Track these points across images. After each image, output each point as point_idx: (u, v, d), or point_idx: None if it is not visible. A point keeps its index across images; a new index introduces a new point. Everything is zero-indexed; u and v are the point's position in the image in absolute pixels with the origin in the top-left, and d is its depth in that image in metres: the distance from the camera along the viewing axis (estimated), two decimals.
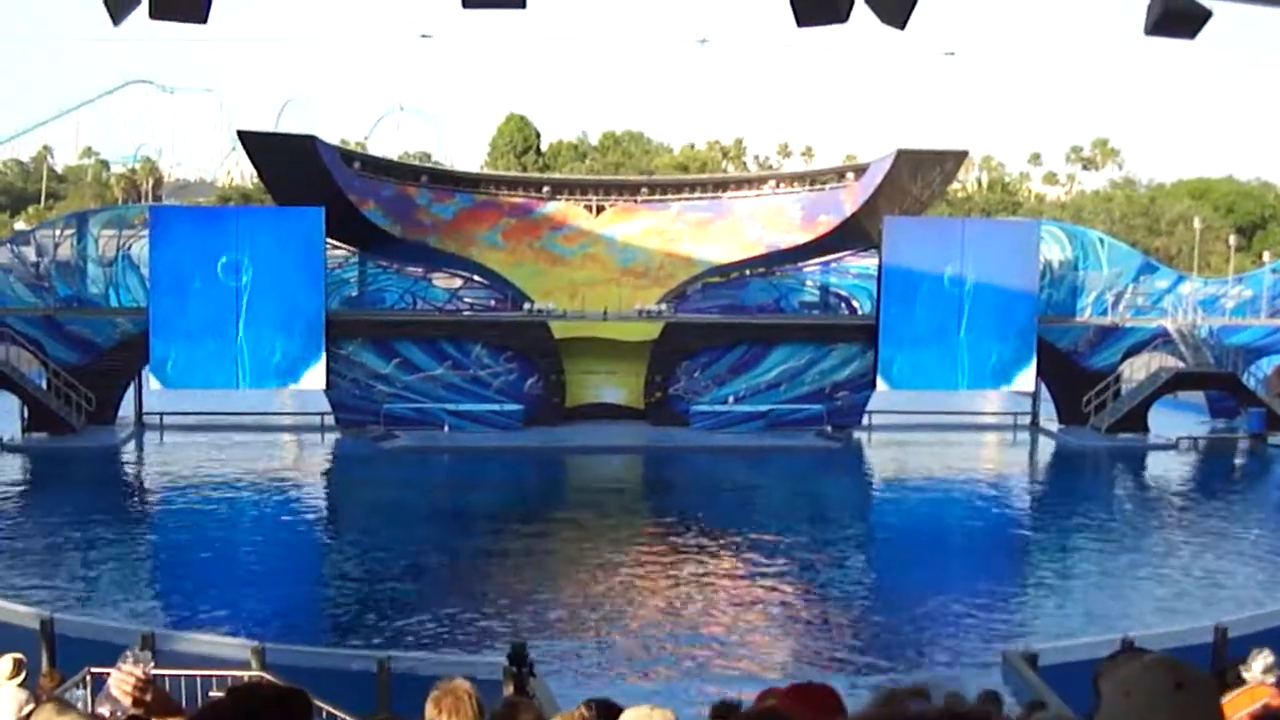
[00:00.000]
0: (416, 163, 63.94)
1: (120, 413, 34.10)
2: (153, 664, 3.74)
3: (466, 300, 37.46)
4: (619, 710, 5.58)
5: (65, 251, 33.87)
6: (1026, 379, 35.28)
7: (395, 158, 61.06)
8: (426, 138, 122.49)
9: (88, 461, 30.21)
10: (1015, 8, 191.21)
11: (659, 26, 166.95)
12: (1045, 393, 36.37)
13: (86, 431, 32.21)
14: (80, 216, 36.50)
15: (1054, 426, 35.94)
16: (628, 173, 71.37)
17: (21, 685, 8.67)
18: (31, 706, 5.54)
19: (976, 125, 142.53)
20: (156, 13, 5.62)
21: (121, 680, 3.62)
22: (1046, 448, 35.31)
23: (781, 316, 36.87)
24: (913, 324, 34.31)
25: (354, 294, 36.76)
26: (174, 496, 27.70)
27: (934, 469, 32.20)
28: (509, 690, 9.76)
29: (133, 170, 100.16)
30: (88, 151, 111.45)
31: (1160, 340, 35.88)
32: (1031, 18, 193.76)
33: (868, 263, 36.62)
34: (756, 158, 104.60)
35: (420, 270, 37.01)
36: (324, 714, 9.85)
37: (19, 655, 8.90)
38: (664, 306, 35.56)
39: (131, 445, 33.23)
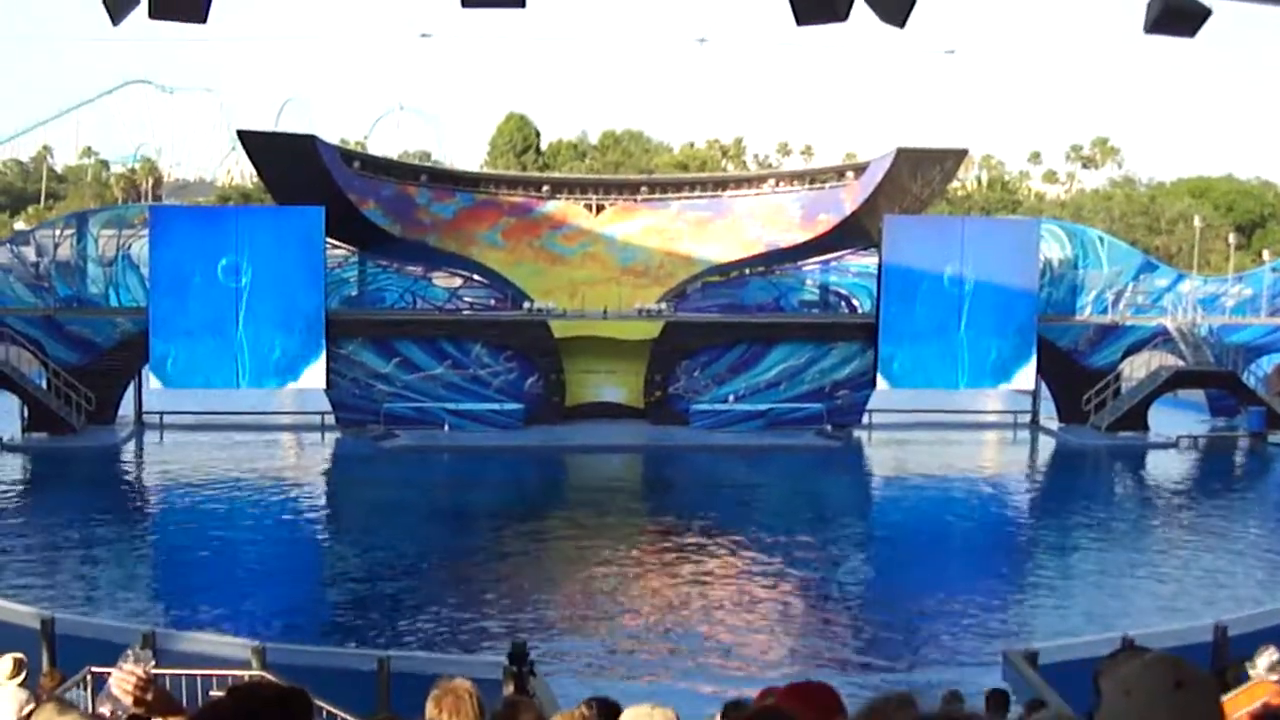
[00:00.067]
0: (416, 162, 63.95)
1: (120, 412, 34.12)
2: (153, 663, 3.74)
3: (466, 299, 37.46)
4: (619, 709, 5.59)
5: (65, 251, 33.88)
6: (1026, 376, 35.29)
7: (395, 157, 61.04)
8: (426, 137, 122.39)
9: (88, 461, 30.23)
10: (1015, 6, 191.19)
11: (658, 25, 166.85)
12: (1045, 391, 36.38)
13: (86, 431, 32.22)
14: (80, 216, 36.51)
15: (1054, 425, 35.95)
16: (627, 172, 71.37)
17: (22, 685, 8.66)
18: (32, 706, 5.55)
19: (976, 124, 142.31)
20: (156, 12, 5.62)
21: (122, 679, 3.62)
22: (1046, 446, 35.32)
23: (781, 315, 36.87)
24: (913, 323, 34.32)
25: (354, 293, 36.76)
26: (174, 496, 27.72)
27: (934, 468, 32.20)
28: (509, 689, 9.76)
29: (132, 170, 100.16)
30: (87, 151, 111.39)
31: (1160, 339, 35.89)
32: (1031, 16, 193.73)
33: (868, 261, 36.61)
34: (756, 156, 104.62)
35: (420, 269, 37.01)
36: (324, 713, 9.85)
37: (19, 655, 8.89)
38: (664, 305, 35.55)
39: (131, 445, 33.24)
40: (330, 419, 34.54)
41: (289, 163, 33.70)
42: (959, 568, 22.40)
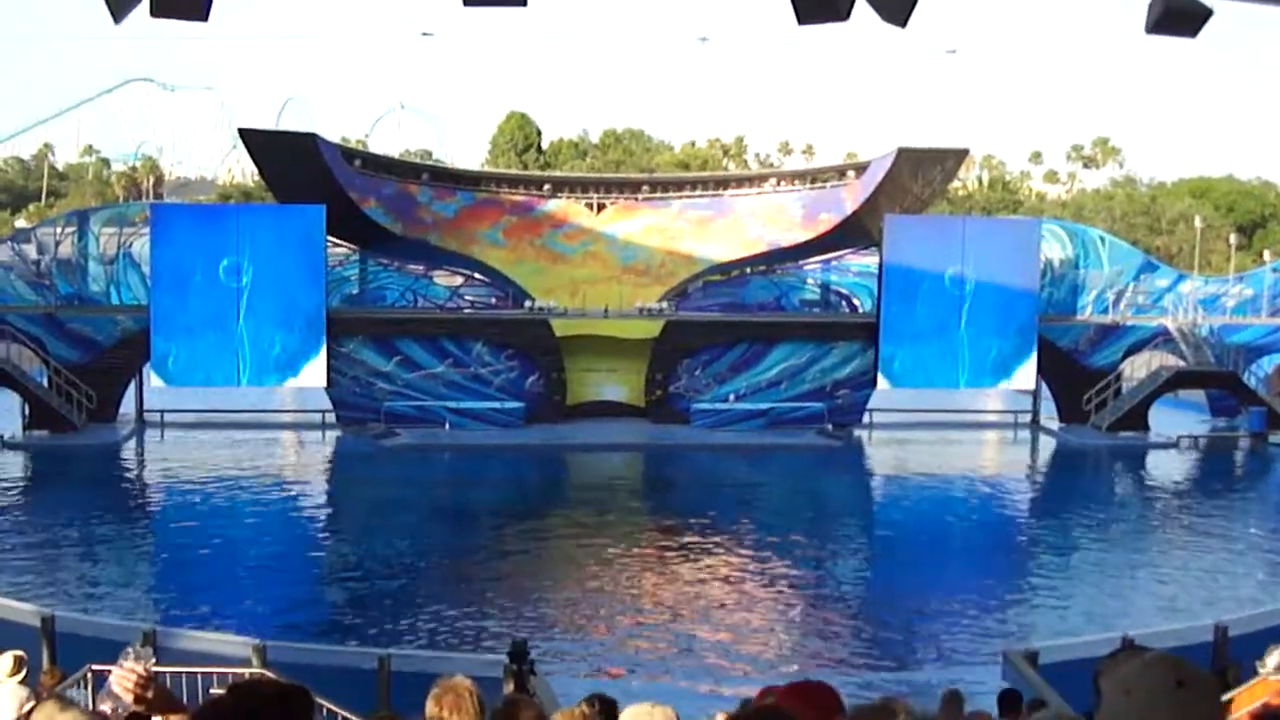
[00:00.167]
0: (417, 160, 63.86)
1: (121, 410, 34.15)
2: (154, 661, 3.74)
3: (467, 298, 37.47)
4: (616, 706, 5.59)
5: (66, 249, 33.90)
6: (1026, 374, 35.28)
7: (396, 155, 61.04)
8: (427, 136, 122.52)
9: (89, 459, 30.24)
10: (1016, 6, 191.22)
11: (660, 24, 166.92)
12: (1046, 391, 36.39)
13: (87, 429, 32.24)
14: (81, 214, 36.56)
15: (1055, 425, 35.95)
16: (628, 170, 71.39)
17: (22, 683, 8.66)
18: (32, 704, 5.55)
19: (977, 123, 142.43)
20: (157, 11, 5.62)
21: (123, 677, 3.62)
22: (1047, 446, 35.31)
23: (782, 314, 36.88)
24: (914, 322, 34.33)
25: (355, 292, 36.77)
26: (175, 494, 27.73)
27: (934, 467, 32.21)
28: (509, 688, 9.76)
29: (133, 168, 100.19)
30: (88, 149, 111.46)
31: (1161, 339, 35.89)
32: (1033, 16, 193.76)
33: (868, 261, 36.62)
34: (757, 155, 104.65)
35: (421, 268, 37.03)
36: (325, 711, 9.84)
37: (20, 652, 8.89)
38: (665, 304, 35.56)
39: (132, 443, 33.26)
40: (331, 417, 34.57)
41: (290, 161, 33.70)
42: (959, 567, 22.40)
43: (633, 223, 36.87)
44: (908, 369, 34.61)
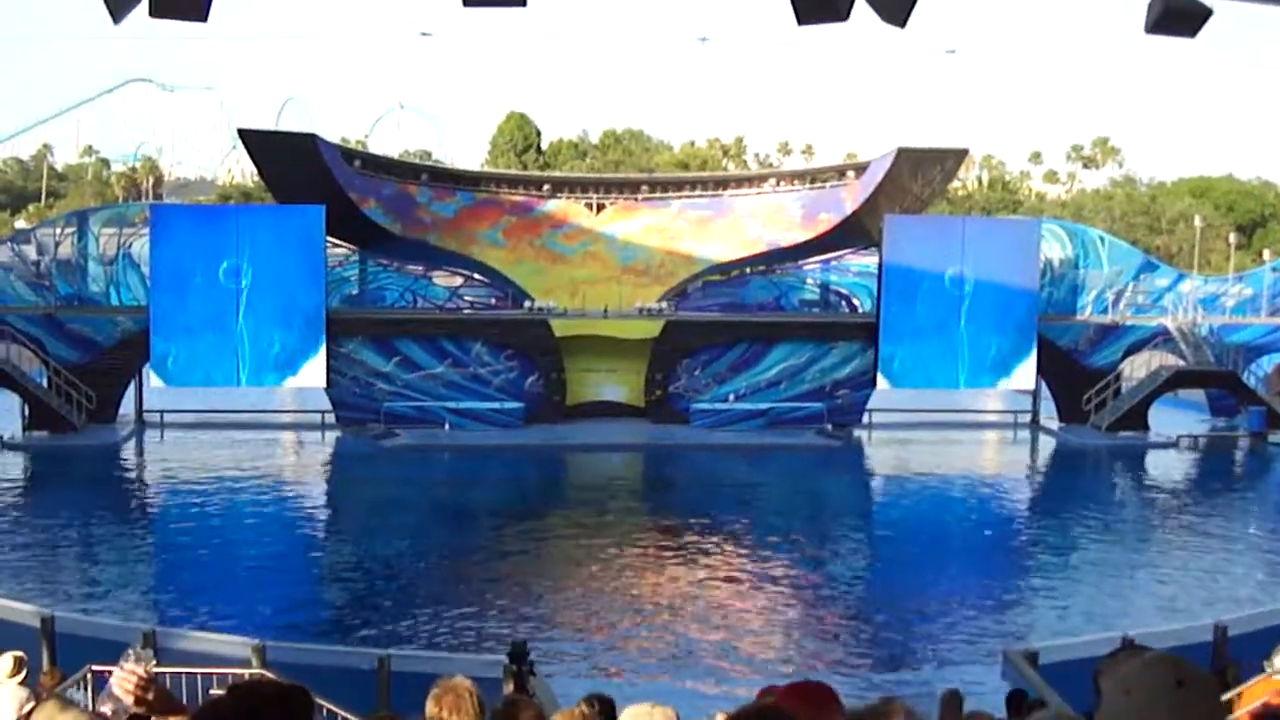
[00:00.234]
0: (417, 161, 63.91)
1: (121, 411, 34.14)
2: (155, 663, 3.73)
3: (467, 298, 37.47)
4: (614, 706, 5.59)
5: (66, 250, 33.89)
6: (1025, 372, 35.27)
7: (395, 156, 61.06)
8: (427, 136, 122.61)
9: (88, 460, 30.24)
10: (1016, 6, 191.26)
11: (659, 24, 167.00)
12: (1046, 391, 36.39)
13: (87, 430, 32.24)
14: (81, 215, 36.53)
15: (1054, 425, 35.96)
16: (628, 171, 71.40)
17: (22, 683, 8.66)
18: (32, 705, 5.55)
19: (977, 123, 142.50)
20: (157, 11, 5.62)
21: (123, 679, 3.61)
22: (1047, 446, 35.32)
23: (782, 315, 36.88)
24: (913, 322, 34.34)
25: (354, 292, 36.77)
26: (175, 495, 27.72)
27: (934, 467, 32.19)
28: (509, 688, 9.76)
29: (133, 169, 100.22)
30: (88, 150, 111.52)
31: (1161, 338, 35.89)
32: (1032, 16, 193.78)
33: (868, 261, 36.62)
34: (757, 156, 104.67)
35: (421, 268, 37.03)
36: (324, 712, 9.84)
37: (19, 653, 8.89)
38: (664, 304, 35.56)
39: (132, 443, 33.25)
40: (331, 418, 34.56)
41: (289, 161, 33.70)
42: (959, 567, 22.39)
43: (632, 223, 36.87)
44: (907, 368, 34.62)
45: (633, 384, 35.29)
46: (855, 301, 37.69)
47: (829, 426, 34.49)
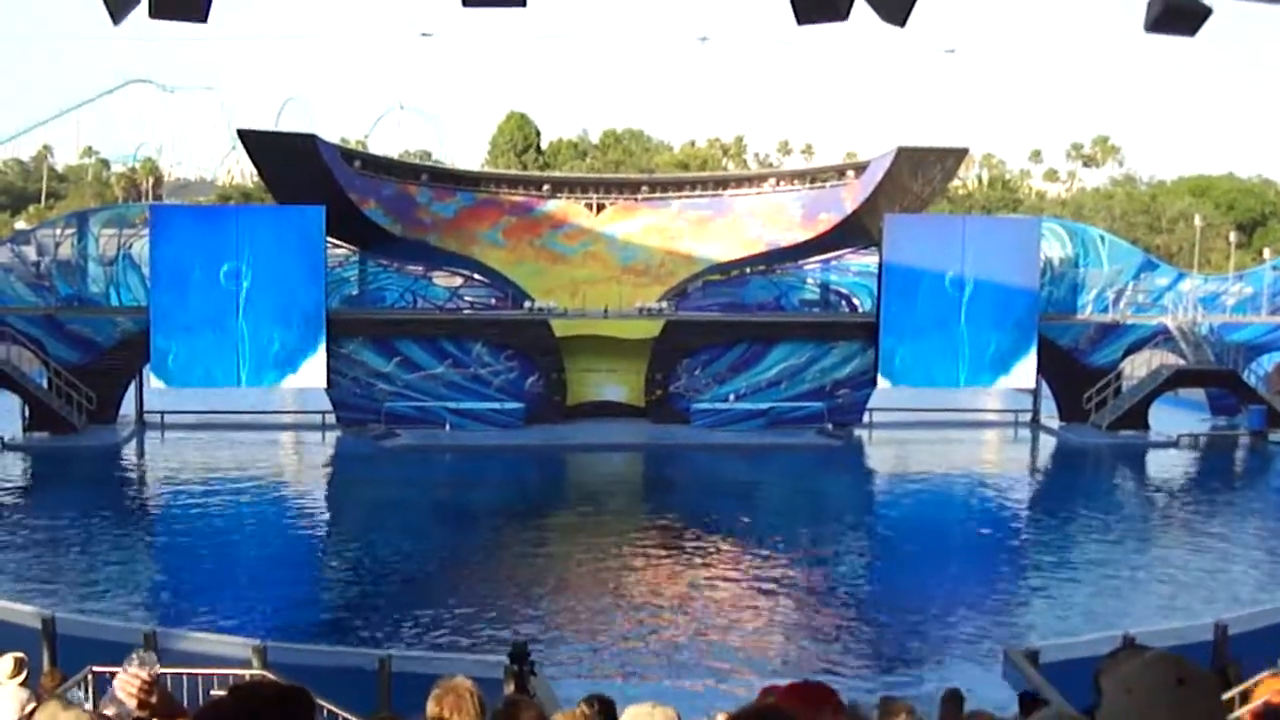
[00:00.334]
0: (417, 161, 63.94)
1: (121, 411, 34.13)
2: (158, 666, 3.74)
3: (467, 299, 37.46)
4: (613, 706, 5.59)
5: (66, 251, 33.87)
6: (1026, 372, 35.27)
7: (395, 156, 61.05)
8: (427, 136, 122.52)
9: (89, 460, 30.24)
10: (1016, 5, 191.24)
11: (659, 24, 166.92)
12: (1046, 390, 36.39)
13: (87, 430, 32.24)
14: (81, 216, 36.51)
15: (1055, 424, 35.96)
16: (628, 171, 71.42)
17: (23, 684, 8.66)
18: (33, 706, 5.55)
19: (977, 122, 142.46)
20: (156, 12, 5.62)
21: (127, 683, 3.62)
22: (1047, 445, 35.32)
23: (782, 314, 36.87)
24: (913, 321, 34.34)
25: (354, 293, 36.76)
26: (175, 495, 27.71)
27: (935, 466, 32.21)
28: (510, 689, 9.77)
29: (133, 169, 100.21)
30: (88, 151, 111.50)
31: (1161, 337, 35.89)
32: (1032, 15, 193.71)
33: (868, 260, 36.61)
34: (757, 155, 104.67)
35: (421, 269, 37.01)
36: (325, 712, 9.84)
37: (20, 654, 8.89)
38: (665, 304, 35.55)
39: (132, 444, 33.24)
40: (331, 418, 34.56)
41: (289, 162, 33.69)
42: (959, 567, 22.40)
43: (632, 223, 36.87)
44: (908, 367, 34.62)
45: (633, 384, 35.29)
46: (855, 301, 37.68)
47: (829, 426, 34.48)
